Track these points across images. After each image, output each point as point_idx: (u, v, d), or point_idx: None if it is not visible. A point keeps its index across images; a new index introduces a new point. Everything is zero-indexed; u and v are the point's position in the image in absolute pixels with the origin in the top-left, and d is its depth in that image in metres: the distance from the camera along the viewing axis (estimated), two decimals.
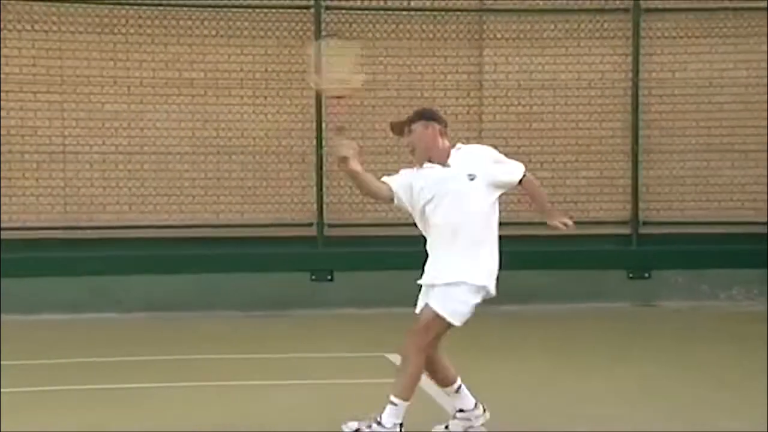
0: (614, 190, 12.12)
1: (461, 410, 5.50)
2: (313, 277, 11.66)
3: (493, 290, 5.30)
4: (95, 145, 11.66)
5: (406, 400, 5.15)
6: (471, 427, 5.50)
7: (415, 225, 5.59)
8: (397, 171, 5.47)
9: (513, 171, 5.31)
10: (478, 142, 5.36)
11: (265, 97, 11.87)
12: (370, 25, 11.99)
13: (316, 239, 11.85)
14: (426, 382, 5.86)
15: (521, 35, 12.04)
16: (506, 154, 5.48)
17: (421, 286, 5.56)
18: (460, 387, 5.48)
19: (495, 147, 5.53)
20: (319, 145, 11.78)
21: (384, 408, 5.18)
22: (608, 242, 11.91)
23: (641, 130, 11.99)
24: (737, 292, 11.84)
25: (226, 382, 7.52)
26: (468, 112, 12.00)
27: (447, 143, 5.39)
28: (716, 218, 12.05)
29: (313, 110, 11.78)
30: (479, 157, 5.34)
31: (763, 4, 11.76)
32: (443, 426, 5.57)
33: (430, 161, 5.34)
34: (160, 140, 11.72)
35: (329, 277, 11.67)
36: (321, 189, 11.80)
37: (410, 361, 5.18)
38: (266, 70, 11.86)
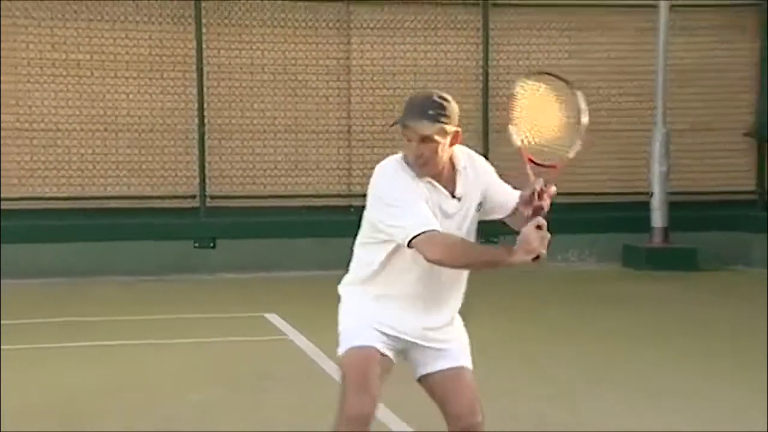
0: None
1: None
2: (196, 245, 11.50)
3: None
4: None
5: None
6: None
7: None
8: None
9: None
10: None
11: (150, 78, 11.59)
12: (248, 13, 11.83)
13: (198, 210, 11.68)
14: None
15: (385, 25, 12.11)
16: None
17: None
18: None
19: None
20: (201, 123, 11.63)
21: None
22: None
23: (490, 111, 12.24)
24: (571, 255, 12.25)
25: (113, 342, 7.37)
26: (338, 95, 11.98)
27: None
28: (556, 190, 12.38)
29: (194, 90, 11.60)
30: (483, 177, 3.53)
31: (568, 2, 12.25)
32: None
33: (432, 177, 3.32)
34: (48, 117, 11.33)
35: (212, 245, 11.54)
36: (203, 163, 11.63)
37: None
38: (150, 54, 11.57)
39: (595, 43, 12.43)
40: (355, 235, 3.45)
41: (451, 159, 3.37)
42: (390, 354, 3.33)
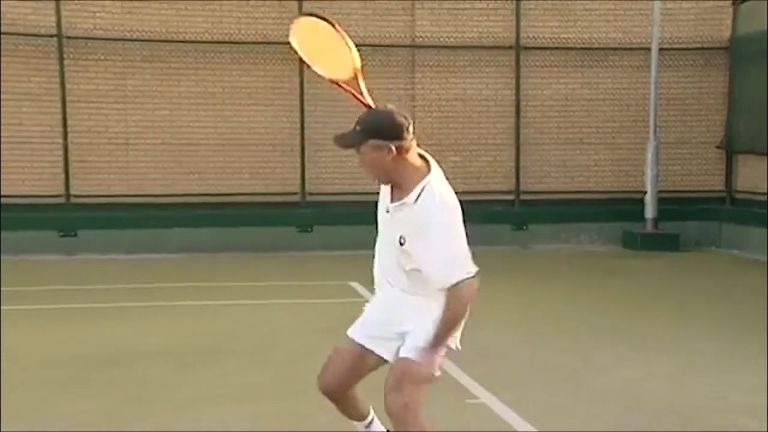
0: (503, 170, 12.26)
1: None
2: (298, 230, 11.66)
3: None
4: (149, 140, 11.50)
5: None
6: None
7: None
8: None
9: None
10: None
11: (265, 106, 11.81)
12: None
13: (300, 203, 11.83)
14: None
15: (441, 64, 12.09)
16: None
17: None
18: (372, 421, 3.27)
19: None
20: (302, 139, 11.76)
21: None
22: (499, 205, 12.04)
23: (521, 128, 12.13)
24: (582, 239, 12.09)
25: (234, 302, 7.54)
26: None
27: (413, 162, 2.82)
28: (571, 189, 12.27)
29: (297, 114, 11.75)
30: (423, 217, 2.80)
31: (593, 45, 12.01)
32: None
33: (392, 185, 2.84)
34: (192, 135, 11.64)
35: (310, 230, 11.68)
36: (303, 169, 11.78)
37: None
38: (265, 87, 11.79)
39: (602, 77, 12.29)
40: None
41: (415, 178, 2.70)
42: (366, 341, 3.12)
